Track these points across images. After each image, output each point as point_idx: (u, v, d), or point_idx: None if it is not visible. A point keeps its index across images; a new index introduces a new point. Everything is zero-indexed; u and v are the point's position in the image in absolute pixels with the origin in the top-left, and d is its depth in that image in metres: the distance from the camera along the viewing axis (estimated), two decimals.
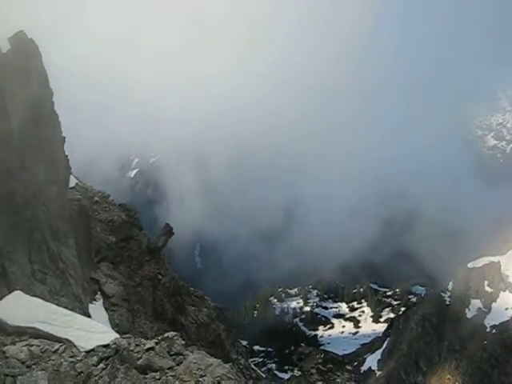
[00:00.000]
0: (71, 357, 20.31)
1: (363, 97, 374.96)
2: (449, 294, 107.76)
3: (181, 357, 18.78)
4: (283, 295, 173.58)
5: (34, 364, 19.87)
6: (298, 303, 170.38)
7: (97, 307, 33.61)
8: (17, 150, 28.05)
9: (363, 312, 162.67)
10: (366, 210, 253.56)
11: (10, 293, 23.19)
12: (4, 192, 25.48)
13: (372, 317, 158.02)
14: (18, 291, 23.44)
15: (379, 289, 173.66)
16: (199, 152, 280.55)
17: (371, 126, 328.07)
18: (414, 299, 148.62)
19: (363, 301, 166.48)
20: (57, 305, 24.20)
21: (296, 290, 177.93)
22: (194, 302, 45.32)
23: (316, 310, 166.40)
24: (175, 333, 20.62)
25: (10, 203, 25.94)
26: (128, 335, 21.75)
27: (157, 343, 19.76)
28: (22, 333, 21.15)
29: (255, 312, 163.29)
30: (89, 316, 28.44)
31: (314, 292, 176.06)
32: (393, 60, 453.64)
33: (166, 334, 20.42)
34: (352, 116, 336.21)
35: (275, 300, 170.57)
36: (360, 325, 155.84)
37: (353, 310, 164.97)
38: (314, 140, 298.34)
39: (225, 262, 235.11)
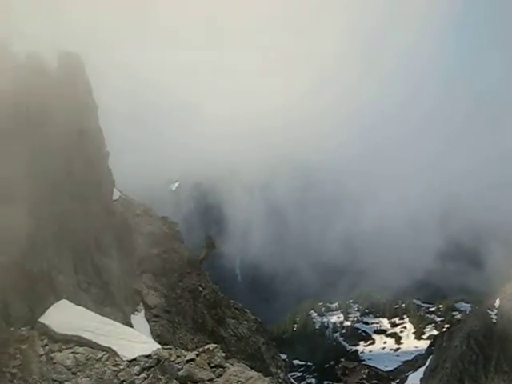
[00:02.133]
0: (114, 365, 20.87)
1: (425, 113, 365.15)
2: (496, 311, 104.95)
3: (221, 369, 19.03)
4: (323, 309, 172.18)
5: (79, 371, 20.50)
6: (339, 318, 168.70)
7: (139, 318, 34.18)
8: (63, 164, 28.98)
9: (405, 328, 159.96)
10: (425, 228, 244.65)
11: (56, 301, 23.99)
12: (52, 205, 26.30)
13: (414, 333, 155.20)
14: (65, 300, 24.22)
15: (422, 304, 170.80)
16: (264, 179, 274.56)
17: (434, 143, 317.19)
18: (458, 316, 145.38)
19: (405, 316, 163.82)
20: (100, 314, 24.87)
21: (336, 304, 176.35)
22: (234, 315, 45.53)
23: (357, 324, 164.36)
24: (215, 345, 20.94)
25: (58, 216, 26.77)
26: (169, 346, 22.21)
27: (197, 355, 20.11)
28: (68, 340, 21.84)
29: (295, 326, 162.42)
30: (131, 326, 28.96)
31: (355, 306, 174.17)
32: (453, 77, 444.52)
33: (206, 346, 20.75)
34: (416, 131, 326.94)
35: (315, 314, 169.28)
36: (402, 341, 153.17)
37: (394, 325, 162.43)
38: (375, 160, 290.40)
39: (282, 296, 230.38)
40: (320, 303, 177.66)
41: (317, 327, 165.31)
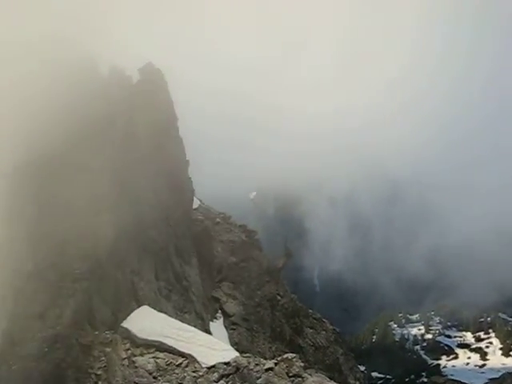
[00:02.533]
0: (194, 371, 21.21)
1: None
2: None
3: (299, 379, 18.98)
4: (403, 321, 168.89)
5: (159, 375, 20.96)
6: (420, 330, 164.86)
7: (217, 325, 34.58)
8: (145, 174, 29.85)
9: (491, 343, 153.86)
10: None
11: (138, 307, 24.67)
12: (133, 213, 27.10)
13: (501, 349, 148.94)
14: (146, 306, 24.87)
15: (509, 319, 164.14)
16: (347, 192, 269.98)
17: None
18: None
19: (491, 331, 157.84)
20: (180, 321, 25.37)
21: (417, 315, 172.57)
22: (312, 324, 45.29)
23: (438, 338, 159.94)
24: (294, 354, 20.91)
25: (139, 224, 27.55)
26: (248, 354, 22.36)
27: (276, 364, 20.14)
28: (149, 345, 22.41)
29: (374, 337, 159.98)
30: (210, 333, 29.37)
31: (437, 319, 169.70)
32: None
33: (285, 355, 20.76)
34: (504, 143, 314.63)
35: (395, 325, 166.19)
36: (488, 357, 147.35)
37: (479, 340, 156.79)
38: (462, 173, 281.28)
39: (361, 307, 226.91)
40: (400, 314, 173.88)
41: (396, 339, 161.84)
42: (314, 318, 46.31)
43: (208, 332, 29.74)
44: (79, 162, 25.24)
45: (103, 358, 22.27)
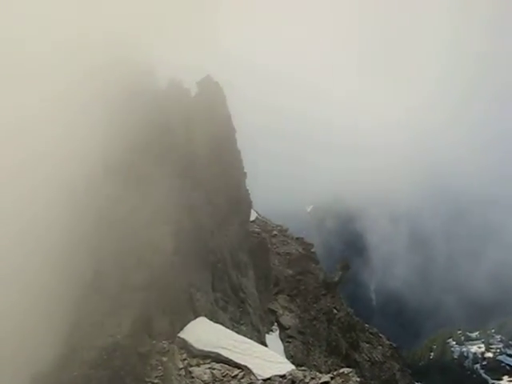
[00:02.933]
0: (249, 383, 21.22)
1: None
2: None
3: None
4: (463, 338, 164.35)
5: None
6: (479, 348, 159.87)
7: (273, 338, 34.52)
8: (204, 186, 30.19)
9: None
10: None
11: (195, 318, 24.89)
12: (192, 225, 27.41)
13: None
14: (203, 317, 25.07)
15: None
16: (409, 210, 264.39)
17: None
18: None
19: None
20: (236, 332, 25.44)
21: (477, 333, 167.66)
22: (368, 339, 44.71)
23: (499, 357, 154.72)
24: (350, 369, 20.66)
25: (198, 236, 27.83)
26: (303, 368, 22.25)
27: (332, 378, 19.96)
28: (205, 356, 22.58)
29: (431, 354, 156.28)
30: (266, 345, 29.32)
31: (498, 337, 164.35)
32: None
33: (341, 370, 20.54)
34: None
35: (454, 342, 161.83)
36: None
37: None
38: None
39: (418, 323, 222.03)
40: (459, 331, 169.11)
41: (455, 357, 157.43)
42: (371, 333, 45.71)
43: (264, 344, 29.71)
44: (141, 173, 25.71)
45: (160, 368, 22.56)
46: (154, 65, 31.06)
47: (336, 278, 42.68)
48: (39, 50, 26.44)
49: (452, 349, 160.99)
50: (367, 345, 43.51)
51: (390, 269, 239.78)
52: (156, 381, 22.06)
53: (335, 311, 40.51)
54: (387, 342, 46.10)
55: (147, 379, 22.20)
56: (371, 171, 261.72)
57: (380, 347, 44.77)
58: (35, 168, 23.96)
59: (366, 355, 42.07)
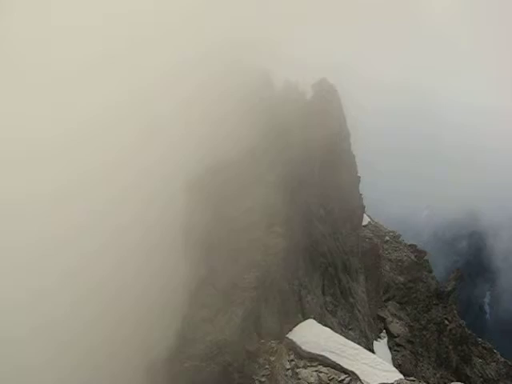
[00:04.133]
0: None
1: None
2: None
3: None
4: None
5: None
6: None
7: (381, 345, 34.04)
8: (316, 188, 30.23)
9: None
10: None
11: (304, 320, 25.04)
12: (304, 227, 27.60)
13: None
14: (312, 320, 25.15)
15: None
16: None
17: None
18: None
19: None
20: (345, 337, 25.30)
21: None
22: (481, 354, 43.00)
23: None
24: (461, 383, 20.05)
25: (309, 238, 28.00)
26: (412, 378, 21.77)
27: None
28: (312, 359, 22.66)
29: None
30: (373, 352, 28.95)
31: None
32: None
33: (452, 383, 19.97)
34: None
35: None
36: None
37: None
38: None
39: None
40: None
41: None
42: (484, 348, 43.90)
43: (371, 351, 29.34)
44: (255, 174, 26.12)
45: (267, 367, 22.91)
46: (271, 66, 31.32)
47: (449, 288, 41.43)
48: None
49: None
50: (480, 360, 41.85)
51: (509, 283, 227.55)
52: (263, 379, 22.45)
53: (446, 322, 39.35)
54: (502, 359, 44.08)
55: (254, 377, 22.62)
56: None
57: (494, 363, 42.90)
58: (160, 166, 24.92)
59: (478, 371, 40.49)
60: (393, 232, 43.57)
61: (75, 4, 27.47)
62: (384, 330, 35.22)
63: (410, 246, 43.43)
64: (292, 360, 23.06)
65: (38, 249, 22.24)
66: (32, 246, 22.19)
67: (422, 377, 33.66)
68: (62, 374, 21.79)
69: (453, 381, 22.36)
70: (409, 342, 35.61)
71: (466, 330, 42.58)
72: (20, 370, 21.40)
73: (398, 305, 37.31)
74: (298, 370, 22.24)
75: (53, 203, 22.87)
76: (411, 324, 36.78)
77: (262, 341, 23.75)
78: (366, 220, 39.92)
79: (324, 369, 22.21)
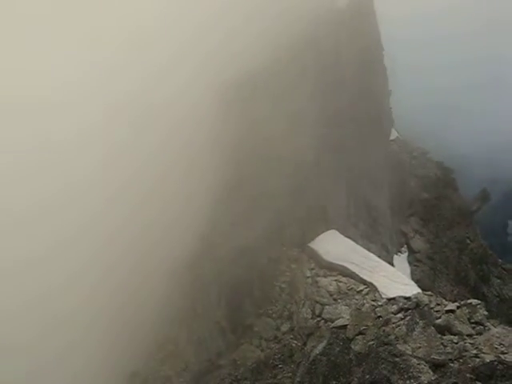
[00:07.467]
0: (373, 300, 21.45)
1: None
2: None
3: (481, 327, 18.25)
4: None
5: (339, 298, 21.58)
6: None
7: (401, 259, 34.41)
8: (346, 95, 29.60)
9: None
10: None
11: (327, 230, 25.24)
12: (335, 140, 27.27)
13: None
14: (334, 230, 25.34)
15: None
16: None
17: None
18: None
19: None
20: (366, 249, 25.54)
21: None
22: (500, 275, 43.26)
23: None
24: (479, 301, 20.15)
25: (339, 149, 27.74)
26: (429, 293, 21.99)
27: (458, 307, 19.55)
28: (332, 268, 23.04)
29: None
30: (393, 266, 29.28)
31: None
32: None
33: (469, 301, 20.04)
34: None
35: None
36: None
37: None
38: None
39: None
40: None
41: None
42: (504, 269, 44.08)
43: (391, 264, 29.66)
44: (287, 84, 25.60)
45: (288, 273, 23.37)
46: None
47: (474, 208, 41.23)
48: None
49: None
50: (498, 280, 42.12)
51: None
52: (283, 285, 22.95)
53: (468, 241, 39.40)
54: None
55: (275, 283, 23.14)
56: None
57: None
58: (196, 81, 24.65)
59: (496, 290, 40.83)
60: (421, 148, 43.07)
61: None
62: (405, 245, 35.48)
63: (437, 162, 42.95)
64: (312, 268, 23.46)
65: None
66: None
67: (439, 292, 34.09)
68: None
69: (469, 298, 22.44)
70: (429, 258, 35.86)
71: (488, 250, 42.66)
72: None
73: (420, 221, 37.33)
74: (317, 279, 22.66)
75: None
76: (433, 241, 36.91)
77: (285, 248, 24.10)
78: (393, 134, 39.42)
79: (343, 279, 22.58)
